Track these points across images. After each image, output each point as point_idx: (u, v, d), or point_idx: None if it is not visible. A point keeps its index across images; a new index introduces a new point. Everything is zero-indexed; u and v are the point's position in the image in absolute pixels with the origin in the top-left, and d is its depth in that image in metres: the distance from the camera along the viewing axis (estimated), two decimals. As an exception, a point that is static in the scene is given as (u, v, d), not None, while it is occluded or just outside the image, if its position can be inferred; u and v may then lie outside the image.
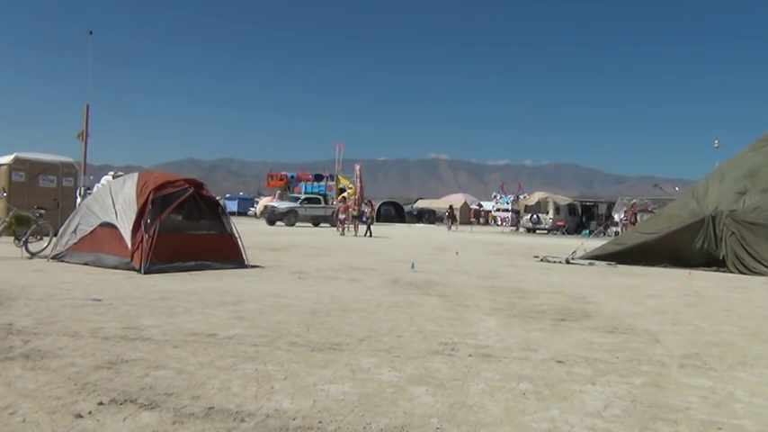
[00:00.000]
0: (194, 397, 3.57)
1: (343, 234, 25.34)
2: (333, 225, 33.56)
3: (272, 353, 4.68)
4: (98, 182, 35.93)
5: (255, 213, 49.41)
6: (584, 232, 35.90)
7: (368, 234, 25.43)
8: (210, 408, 3.39)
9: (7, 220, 12.13)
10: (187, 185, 10.55)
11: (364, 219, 26.43)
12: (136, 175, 10.93)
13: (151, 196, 9.87)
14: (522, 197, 48.84)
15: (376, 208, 52.46)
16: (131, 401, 3.45)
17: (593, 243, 18.36)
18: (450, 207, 48.51)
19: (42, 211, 12.77)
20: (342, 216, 26.98)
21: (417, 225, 47.71)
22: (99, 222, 10.32)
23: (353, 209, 27.51)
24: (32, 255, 11.40)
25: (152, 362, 4.29)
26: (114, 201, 10.23)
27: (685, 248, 14.23)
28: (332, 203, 39.07)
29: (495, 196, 61.26)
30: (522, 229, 40.49)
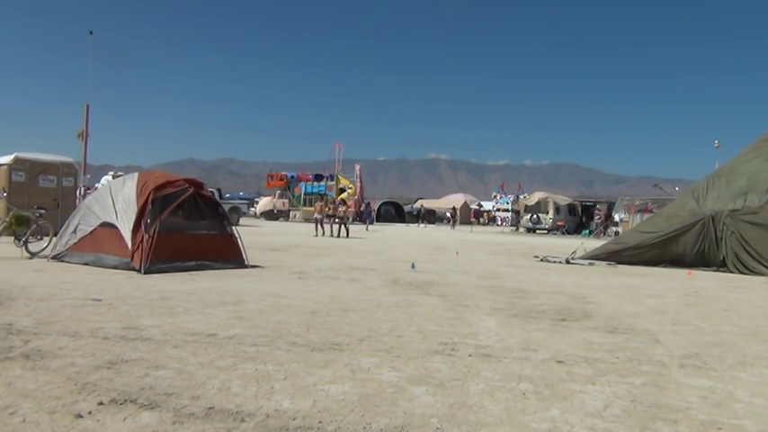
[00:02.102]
0: (194, 397, 3.57)
1: (317, 235, 23.71)
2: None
3: (272, 353, 4.68)
4: (98, 182, 35.92)
5: (255, 213, 49.48)
6: (584, 232, 35.92)
7: (343, 234, 24.13)
8: (210, 408, 3.39)
9: (7, 220, 12.13)
10: (187, 185, 10.55)
11: (339, 219, 24.92)
12: (136, 175, 10.93)
13: (151, 196, 9.87)
14: (522, 197, 48.86)
15: (376, 208, 52.58)
16: (131, 401, 3.45)
17: (593, 243, 18.37)
18: (454, 208, 49.21)
19: (42, 211, 12.77)
20: (317, 216, 25.48)
21: (368, 225, 47.69)
22: (99, 222, 10.31)
23: (329, 208, 25.78)
24: (32, 255, 11.39)
25: (152, 362, 4.29)
26: (114, 201, 10.23)
27: (685, 248, 14.23)
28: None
29: (495, 196, 61.27)
30: (522, 229, 40.48)
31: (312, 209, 38.52)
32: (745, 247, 13.61)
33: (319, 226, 24.73)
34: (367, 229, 34.14)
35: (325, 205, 26.33)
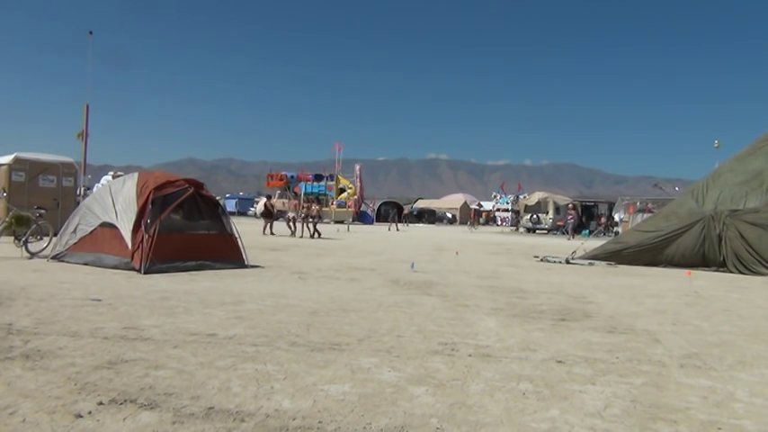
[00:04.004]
0: (194, 397, 3.57)
1: (293, 235, 22.67)
2: None
3: (272, 353, 4.68)
4: (98, 182, 35.95)
5: (255, 213, 49.52)
6: (584, 232, 35.89)
7: (315, 235, 22.82)
8: (210, 408, 3.39)
9: (7, 220, 12.13)
10: (187, 185, 10.55)
11: (311, 218, 23.53)
12: (136, 175, 10.93)
13: (151, 196, 9.87)
14: (522, 197, 48.89)
15: (376, 208, 52.58)
16: (131, 401, 3.45)
17: (594, 243, 18.37)
18: (475, 210, 50.46)
19: (42, 211, 12.78)
20: (290, 215, 24.14)
21: (417, 225, 47.81)
22: (99, 222, 10.31)
23: (302, 207, 24.50)
24: (32, 255, 11.39)
25: (152, 362, 4.29)
26: (114, 201, 10.23)
27: (685, 248, 14.23)
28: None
29: (495, 196, 61.32)
30: (521, 229, 40.51)
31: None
32: (746, 247, 13.60)
33: (292, 225, 23.45)
34: (398, 229, 35.45)
35: (300, 204, 25.16)
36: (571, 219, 34.22)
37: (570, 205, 37.49)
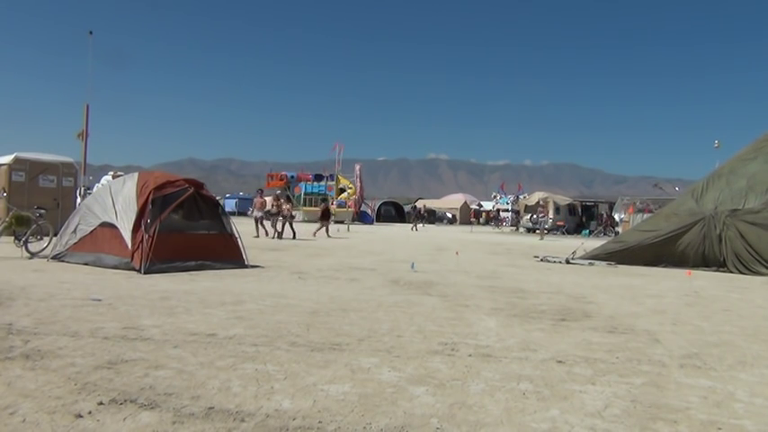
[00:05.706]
0: (194, 397, 3.57)
1: (258, 236, 20.55)
2: None
3: (272, 353, 4.68)
4: (98, 182, 35.97)
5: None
6: (584, 232, 35.90)
7: (288, 236, 21.20)
8: (210, 408, 3.39)
9: (7, 220, 12.14)
10: (187, 185, 10.55)
11: (282, 216, 21.80)
12: (136, 175, 10.93)
13: (151, 196, 9.88)
14: (522, 197, 48.89)
15: (376, 208, 52.55)
16: (131, 401, 3.45)
17: (593, 243, 18.37)
18: (497, 210, 51.55)
19: (42, 211, 12.78)
20: (258, 214, 21.93)
21: (417, 225, 47.80)
22: (99, 222, 10.32)
23: (273, 206, 22.36)
24: (32, 255, 11.40)
25: (152, 362, 4.29)
26: (114, 201, 10.23)
27: (685, 248, 14.23)
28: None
29: (495, 196, 61.34)
30: (521, 229, 40.50)
31: (314, 209, 38.43)
32: (746, 247, 13.60)
33: (260, 225, 21.48)
34: (417, 229, 36.33)
35: (276, 201, 23.00)
36: (543, 217, 33.88)
37: (541, 203, 37.05)
